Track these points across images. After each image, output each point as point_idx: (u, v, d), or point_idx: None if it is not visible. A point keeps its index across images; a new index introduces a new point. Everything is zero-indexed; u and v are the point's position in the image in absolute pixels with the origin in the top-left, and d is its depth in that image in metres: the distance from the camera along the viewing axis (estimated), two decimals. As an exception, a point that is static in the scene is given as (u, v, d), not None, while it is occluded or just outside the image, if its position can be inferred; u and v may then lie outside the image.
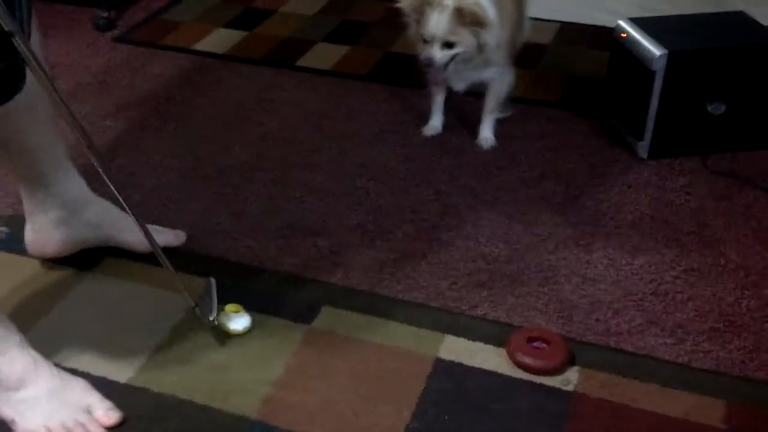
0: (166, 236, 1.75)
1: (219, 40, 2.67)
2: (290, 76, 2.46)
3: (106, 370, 1.48)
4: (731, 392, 1.45)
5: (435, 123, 2.20)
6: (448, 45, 1.96)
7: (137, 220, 1.48)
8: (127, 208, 1.47)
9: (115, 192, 1.45)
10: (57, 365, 1.45)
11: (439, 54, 1.96)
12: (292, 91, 2.37)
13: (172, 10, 2.87)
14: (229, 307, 1.57)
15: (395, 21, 2.77)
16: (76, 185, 1.69)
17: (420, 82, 2.22)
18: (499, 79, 2.13)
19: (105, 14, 2.71)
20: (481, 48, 1.97)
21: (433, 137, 2.16)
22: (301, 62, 2.53)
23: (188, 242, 1.78)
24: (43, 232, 1.69)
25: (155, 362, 1.50)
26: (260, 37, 2.69)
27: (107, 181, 1.43)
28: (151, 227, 1.73)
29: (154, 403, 1.42)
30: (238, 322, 1.56)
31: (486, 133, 2.16)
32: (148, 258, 1.73)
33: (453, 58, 1.98)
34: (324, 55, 2.57)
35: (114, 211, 1.72)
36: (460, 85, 2.13)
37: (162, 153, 2.09)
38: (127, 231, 1.70)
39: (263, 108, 2.29)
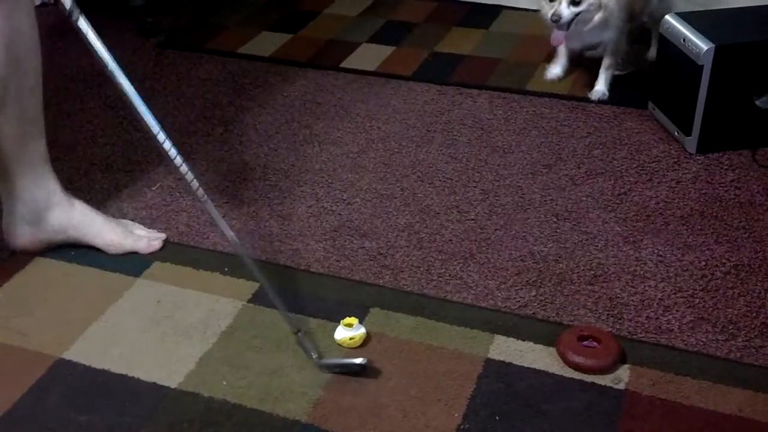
0: (139, 242, 1.80)
1: (264, 43, 2.69)
2: (336, 78, 2.47)
3: (157, 375, 1.50)
4: (785, 389, 1.44)
5: (556, 70, 2.43)
6: (574, 3, 2.14)
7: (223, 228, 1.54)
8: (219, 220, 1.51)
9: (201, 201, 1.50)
10: (107, 371, 1.49)
11: (566, 11, 2.14)
12: (337, 93, 2.39)
13: (217, 14, 2.90)
14: (345, 321, 1.55)
15: (440, 20, 2.80)
16: (42, 192, 1.75)
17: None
18: (613, 43, 2.30)
19: (150, 19, 2.74)
20: (602, 8, 2.16)
21: (479, 137, 2.16)
22: (346, 64, 2.54)
23: (237, 246, 1.80)
24: (12, 226, 1.77)
25: (205, 367, 1.51)
26: (305, 40, 2.71)
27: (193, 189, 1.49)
28: (132, 225, 1.84)
29: (205, 407, 1.43)
30: (353, 331, 1.54)
31: (600, 86, 2.33)
32: (197, 262, 1.76)
33: (577, 15, 2.15)
34: (369, 56, 2.58)
35: (81, 215, 1.78)
36: (576, 45, 2.35)
37: (209, 157, 2.11)
38: (94, 235, 1.78)
39: (309, 110, 2.31)
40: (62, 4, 1.39)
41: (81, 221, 1.78)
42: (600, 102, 2.30)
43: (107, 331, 1.60)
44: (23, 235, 1.77)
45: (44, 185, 1.75)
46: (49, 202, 1.75)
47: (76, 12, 1.35)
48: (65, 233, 1.78)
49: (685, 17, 2.07)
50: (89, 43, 1.36)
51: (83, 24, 1.38)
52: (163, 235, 1.83)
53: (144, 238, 1.81)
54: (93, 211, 1.80)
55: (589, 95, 2.32)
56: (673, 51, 2.07)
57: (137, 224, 1.86)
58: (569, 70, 2.44)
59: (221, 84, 2.46)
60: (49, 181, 1.76)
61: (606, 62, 2.33)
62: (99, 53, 1.43)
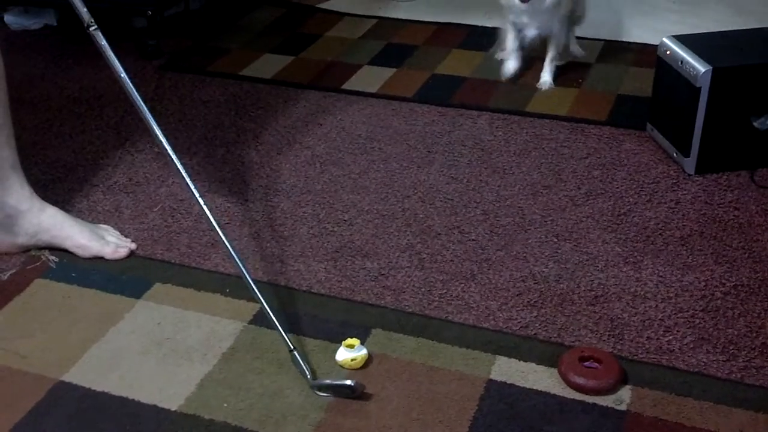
0: (105, 248, 1.84)
1: (266, 65, 2.70)
2: (337, 100, 2.48)
3: (157, 397, 1.49)
4: (786, 409, 1.44)
5: (512, 64, 2.57)
6: None
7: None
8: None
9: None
10: (107, 394, 1.49)
11: None
12: (339, 114, 2.40)
13: (219, 37, 2.92)
14: (346, 342, 1.55)
15: (440, 43, 2.81)
16: (12, 198, 1.80)
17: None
18: (557, 35, 2.52)
19: (152, 42, 2.76)
20: None
21: (480, 158, 2.17)
22: (347, 85, 2.56)
23: (238, 267, 1.80)
24: None
25: (206, 389, 1.51)
26: (307, 62, 2.72)
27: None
28: (106, 231, 1.88)
29: (206, 430, 1.43)
30: (355, 352, 1.54)
31: (546, 77, 2.53)
32: (198, 284, 1.76)
33: None
34: (370, 78, 2.59)
35: (51, 219, 1.83)
36: (533, 32, 2.51)
37: (210, 179, 2.12)
38: (64, 238, 1.83)
39: (311, 132, 2.32)
40: (80, 15, 1.46)
41: (51, 226, 1.83)
42: (547, 90, 2.51)
43: (107, 353, 1.60)
44: None
45: (13, 192, 1.80)
46: (18, 208, 1.81)
47: (92, 24, 1.44)
48: (37, 237, 1.84)
49: (683, 40, 2.09)
50: (104, 53, 1.45)
51: (99, 35, 1.46)
52: (132, 245, 1.87)
53: (111, 244, 1.85)
54: (64, 216, 1.85)
55: (538, 86, 2.52)
56: (670, 73, 2.08)
57: (111, 230, 1.90)
58: (567, 90, 2.45)
59: (223, 106, 2.47)
60: (18, 188, 1.81)
61: (550, 54, 2.54)
62: (113, 64, 1.50)
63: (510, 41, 2.57)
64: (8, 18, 3.03)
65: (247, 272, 1.58)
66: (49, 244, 1.84)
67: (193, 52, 2.81)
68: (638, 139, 2.23)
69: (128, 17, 2.88)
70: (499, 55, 2.67)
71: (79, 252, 1.84)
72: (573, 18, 2.60)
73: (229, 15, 3.10)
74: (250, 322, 1.65)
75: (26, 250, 1.85)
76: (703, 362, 1.54)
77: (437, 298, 1.71)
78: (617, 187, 2.04)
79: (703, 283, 1.73)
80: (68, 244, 1.84)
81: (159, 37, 2.78)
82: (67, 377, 1.54)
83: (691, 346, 1.58)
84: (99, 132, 2.35)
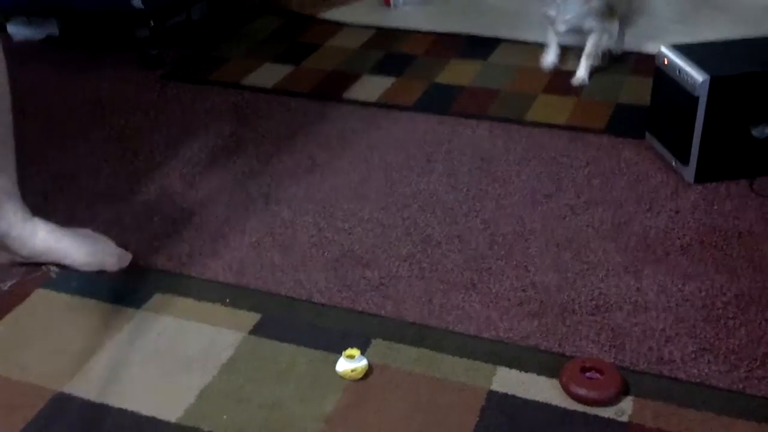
0: (106, 260, 1.84)
1: (267, 74, 2.71)
2: (337, 109, 2.49)
3: (156, 409, 1.49)
4: (787, 419, 1.44)
5: (550, 58, 2.67)
6: None
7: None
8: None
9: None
10: (106, 405, 1.49)
11: None
12: (339, 123, 2.40)
13: (220, 47, 2.92)
14: (347, 353, 1.55)
15: (439, 52, 2.82)
16: (6, 222, 1.77)
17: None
18: (595, 31, 2.55)
19: (154, 52, 2.76)
20: None
21: (480, 166, 2.17)
22: (347, 94, 2.56)
23: (238, 276, 1.81)
24: None
25: (205, 400, 1.51)
26: (307, 71, 2.73)
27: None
28: (104, 242, 1.87)
29: (207, 440, 1.43)
30: (355, 363, 1.54)
31: (581, 73, 2.57)
32: (198, 294, 1.76)
33: None
34: (370, 87, 2.60)
35: (43, 243, 1.81)
36: (561, 27, 2.56)
37: (212, 188, 2.12)
38: (62, 257, 1.82)
39: (311, 140, 2.32)
40: None
41: (46, 249, 1.82)
42: (581, 86, 2.55)
43: (107, 364, 1.60)
44: None
45: (5, 218, 1.78)
46: (10, 233, 1.79)
47: None
48: (34, 258, 1.83)
49: (681, 49, 2.09)
50: None
51: None
52: (129, 255, 1.87)
53: (111, 257, 1.85)
54: (58, 236, 1.82)
55: (572, 81, 2.56)
56: (669, 82, 2.08)
57: (109, 241, 1.89)
58: (566, 99, 2.46)
59: (224, 115, 2.48)
60: (11, 215, 1.78)
61: (587, 49, 2.56)
62: None
63: (549, 35, 2.66)
64: (11, 28, 3.03)
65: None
66: (47, 261, 1.83)
67: (194, 62, 2.82)
68: (637, 148, 2.23)
69: (131, 27, 2.88)
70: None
71: (82, 268, 1.83)
72: (616, 14, 2.61)
73: (230, 25, 3.11)
74: (251, 333, 1.65)
75: (25, 263, 1.85)
76: (705, 372, 1.54)
77: (438, 308, 1.71)
78: (617, 196, 2.04)
79: (704, 293, 1.73)
80: (67, 262, 1.83)
81: (161, 46, 2.78)
82: (67, 388, 1.54)
83: (693, 356, 1.57)
84: (100, 141, 2.35)
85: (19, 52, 2.91)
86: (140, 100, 2.57)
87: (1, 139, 1.72)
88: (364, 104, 2.50)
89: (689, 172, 2.07)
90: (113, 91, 2.63)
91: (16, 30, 3.03)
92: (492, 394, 1.50)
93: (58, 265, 1.84)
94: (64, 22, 3.03)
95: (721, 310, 1.68)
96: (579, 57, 2.60)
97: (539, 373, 1.54)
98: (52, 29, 3.02)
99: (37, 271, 1.83)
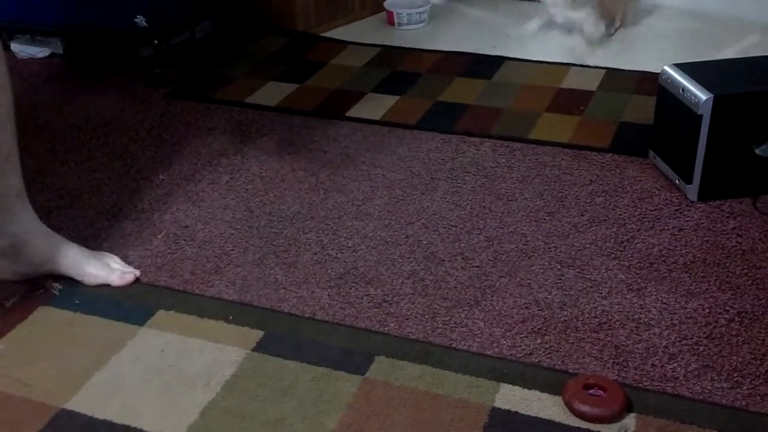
0: (112, 275, 1.85)
1: (271, 92, 2.72)
2: (341, 127, 2.50)
3: (159, 426, 1.49)
4: (791, 437, 1.44)
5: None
6: None
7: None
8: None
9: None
10: (109, 422, 1.49)
11: None
12: (343, 142, 2.41)
13: (225, 66, 2.93)
14: None
15: (443, 71, 2.83)
16: (17, 227, 1.79)
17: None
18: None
19: (158, 70, 2.77)
20: None
21: (483, 184, 2.17)
22: (351, 113, 2.57)
23: (242, 293, 1.81)
24: None
25: (208, 417, 1.51)
26: (311, 89, 2.73)
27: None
28: (109, 258, 1.89)
29: (211, 456, 1.43)
30: None
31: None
32: (201, 311, 1.76)
33: None
34: (374, 106, 2.60)
35: (56, 248, 1.83)
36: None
37: (215, 206, 2.13)
38: (69, 267, 1.83)
39: (315, 158, 2.33)
40: None
41: (57, 255, 1.83)
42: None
43: (110, 381, 1.60)
44: (1, 269, 1.81)
45: (18, 221, 1.79)
46: (23, 237, 1.80)
47: None
48: (42, 266, 1.83)
49: (684, 68, 2.09)
50: None
51: None
52: (137, 271, 1.87)
53: (117, 271, 1.85)
54: (69, 245, 1.85)
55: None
56: (672, 101, 2.09)
57: (114, 257, 1.90)
58: (570, 118, 2.46)
59: (228, 133, 2.49)
60: (24, 216, 1.80)
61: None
62: None
63: None
64: (15, 46, 3.05)
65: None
66: (53, 272, 1.84)
67: (198, 80, 2.83)
68: (641, 166, 2.23)
69: (135, 46, 2.90)
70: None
71: (85, 280, 1.84)
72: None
73: (235, 43, 3.12)
74: (254, 350, 1.65)
75: (28, 278, 1.85)
76: (708, 389, 1.54)
77: (441, 325, 1.71)
78: (620, 214, 2.04)
79: (707, 310, 1.73)
80: (73, 273, 1.84)
81: (165, 65, 2.79)
82: (70, 405, 1.53)
83: (696, 373, 1.57)
84: (104, 159, 2.36)
85: (22, 70, 2.93)
86: (144, 119, 2.58)
87: (9, 144, 1.73)
88: (368, 122, 2.51)
89: (692, 191, 2.07)
90: (117, 109, 2.64)
91: (20, 48, 3.04)
92: (495, 411, 1.49)
93: (60, 279, 1.84)
94: (67, 41, 3.04)
95: (724, 328, 1.68)
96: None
97: (542, 390, 1.54)
98: (56, 47, 3.04)
99: (39, 288, 1.84)
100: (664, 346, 1.63)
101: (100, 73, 2.90)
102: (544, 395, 1.53)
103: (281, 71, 2.87)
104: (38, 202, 2.11)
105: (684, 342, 1.65)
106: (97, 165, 2.33)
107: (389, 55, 2.98)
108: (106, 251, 1.92)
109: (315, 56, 2.99)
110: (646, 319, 1.71)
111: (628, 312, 1.73)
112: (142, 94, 2.73)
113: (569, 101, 2.59)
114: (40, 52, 3.03)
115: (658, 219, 2.02)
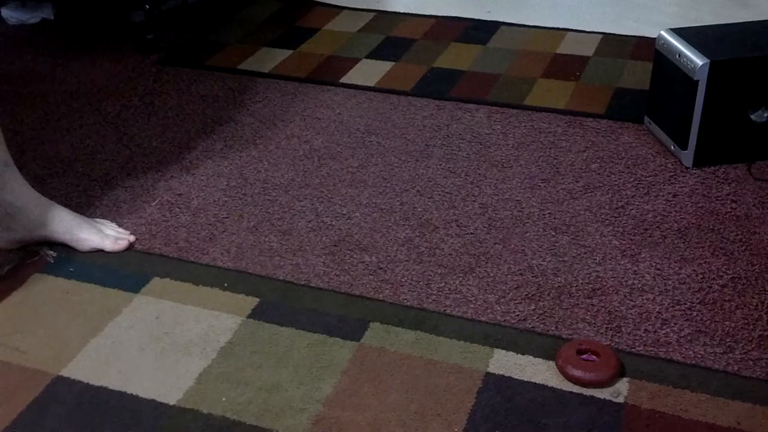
0: (105, 240, 1.85)
1: (264, 59, 2.70)
2: (335, 93, 2.49)
3: (155, 392, 1.50)
4: (783, 402, 1.45)
5: None
6: None
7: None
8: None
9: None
10: (105, 388, 1.50)
11: None
12: (337, 108, 2.40)
13: (217, 31, 2.92)
14: None
15: (438, 36, 2.81)
16: (8, 195, 1.79)
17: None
18: None
19: (149, 36, 2.75)
20: None
21: (478, 151, 2.17)
22: (345, 79, 2.56)
23: (237, 261, 1.81)
24: None
25: (204, 383, 1.51)
26: (305, 55, 2.72)
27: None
28: (103, 224, 1.89)
29: (204, 424, 1.43)
30: None
31: None
32: (197, 278, 1.76)
33: None
34: (368, 72, 2.59)
35: (50, 214, 1.83)
36: None
37: (209, 173, 2.12)
38: (63, 233, 1.84)
39: (309, 125, 2.32)
40: None
41: (50, 220, 1.83)
42: None
43: (106, 348, 1.60)
44: None
45: (9, 189, 1.80)
46: (16, 204, 1.80)
47: None
48: (35, 232, 1.83)
49: (680, 33, 2.08)
50: None
51: None
52: (132, 237, 1.88)
53: (111, 236, 1.86)
54: (62, 210, 1.85)
55: None
56: (668, 66, 2.08)
57: (109, 223, 1.91)
58: (566, 84, 2.46)
59: (221, 100, 2.47)
60: (14, 184, 1.81)
61: None
62: None
63: None
64: (5, 12, 3.02)
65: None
66: (47, 238, 1.84)
67: (191, 46, 2.81)
68: (636, 132, 2.23)
69: (126, 11, 2.88)
70: None
71: (78, 245, 1.84)
72: None
73: (227, 9, 3.10)
74: (249, 316, 1.66)
75: (23, 245, 1.85)
76: (701, 354, 1.54)
77: (435, 292, 1.71)
78: (615, 180, 2.04)
79: (701, 276, 1.73)
80: (67, 238, 1.84)
81: (157, 31, 2.77)
82: (66, 372, 1.54)
83: (689, 338, 1.58)
84: (97, 127, 2.35)
85: (13, 37, 2.91)
86: (136, 85, 2.57)
87: None
88: (363, 89, 2.50)
89: (688, 157, 2.07)
90: (109, 76, 2.62)
91: (11, 14, 3.02)
92: (489, 376, 1.50)
93: (55, 247, 1.84)
94: (59, 6, 3.02)
95: (717, 293, 1.69)
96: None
97: (536, 356, 1.54)
98: (47, 13, 3.01)
99: (34, 256, 1.84)
100: (657, 312, 1.64)
101: (92, 39, 2.88)
102: (538, 360, 1.54)
103: (274, 37, 2.86)
104: (31, 170, 2.11)
105: (677, 307, 1.65)
106: (89, 132, 2.32)
107: (384, 20, 2.96)
108: (100, 218, 1.92)
109: (308, 22, 2.97)
110: (639, 285, 1.71)
111: (622, 278, 1.73)
112: (133, 61, 2.72)
113: (565, 67, 2.59)
114: (31, 17, 3.01)
115: (653, 185, 2.02)
